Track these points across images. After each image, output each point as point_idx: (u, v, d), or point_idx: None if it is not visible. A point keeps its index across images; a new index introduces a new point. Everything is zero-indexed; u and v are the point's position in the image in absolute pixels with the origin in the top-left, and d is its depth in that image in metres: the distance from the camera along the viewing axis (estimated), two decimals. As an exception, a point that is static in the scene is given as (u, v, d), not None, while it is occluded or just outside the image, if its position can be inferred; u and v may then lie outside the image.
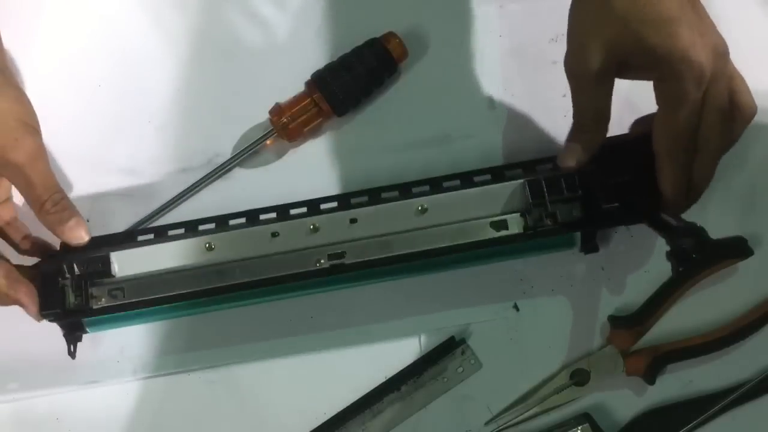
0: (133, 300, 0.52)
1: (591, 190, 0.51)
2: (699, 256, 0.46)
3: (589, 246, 0.53)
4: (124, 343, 0.58)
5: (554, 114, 0.60)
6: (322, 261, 0.52)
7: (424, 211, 0.52)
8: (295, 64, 0.61)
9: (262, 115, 0.60)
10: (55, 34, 0.63)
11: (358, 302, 0.57)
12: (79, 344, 0.55)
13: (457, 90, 0.61)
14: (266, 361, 0.57)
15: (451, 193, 0.53)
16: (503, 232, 0.52)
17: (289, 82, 0.60)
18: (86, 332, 0.55)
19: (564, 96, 0.60)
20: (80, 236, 0.52)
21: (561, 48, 0.61)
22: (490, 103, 0.61)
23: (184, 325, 0.58)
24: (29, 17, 0.63)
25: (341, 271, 0.52)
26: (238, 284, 0.52)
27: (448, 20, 0.62)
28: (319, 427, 0.55)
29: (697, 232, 0.47)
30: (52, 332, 0.57)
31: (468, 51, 0.62)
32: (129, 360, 0.58)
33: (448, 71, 0.61)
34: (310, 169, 0.60)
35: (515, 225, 0.52)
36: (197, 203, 0.59)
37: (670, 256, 0.48)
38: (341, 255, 0.52)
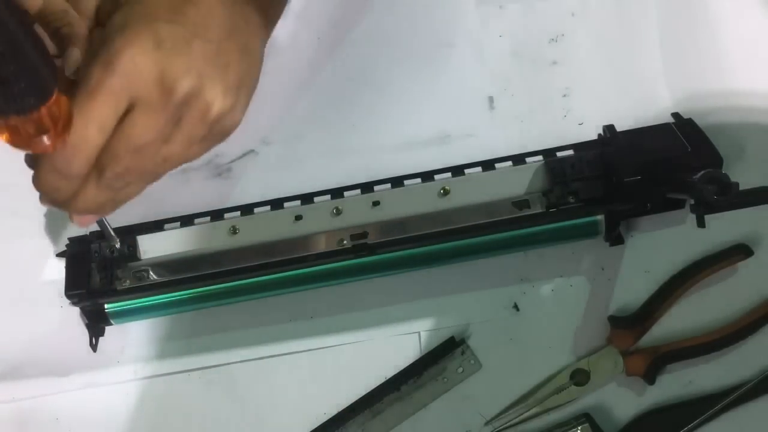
0: (157, 281, 0.53)
1: (613, 168, 0.51)
2: (722, 199, 0.45)
3: (614, 234, 0.53)
4: (124, 344, 0.58)
5: (554, 114, 0.60)
6: (345, 241, 0.52)
7: (446, 193, 0.53)
8: (295, 64, 0.61)
9: (262, 116, 0.60)
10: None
11: (358, 303, 0.57)
12: (79, 344, 0.55)
13: (457, 90, 0.61)
14: (266, 360, 0.57)
15: (472, 175, 0.53)
16: (526, 211, 0.52)
17: (289, 82, 0.60)
18: (110, 324, 0.55)
19: (564, 96, 0.60)
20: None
21: (561, 48, 0.61)
22: (490, 103, 0.61)
23: (183, 325, 0.58)
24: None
25: (364, 251, 0.52)
26: (261, 264, 0.53)
27: (447, 20, 0.63)
28: (319, 427, 0.55)
29: (718, 176, 0.46)
30: (52, 332, 0.57)
31: (467, 50, 0.62)
32: (129, 360, 0.58)
33: (448, 71, 0.62)
34: (310, 169, 0.60)
35: (537, 204, 0.52)
36: (197, 200, 0.59)
37: (694, 207, 0.47)
38: (364, 235, 0.52)
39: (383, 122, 0.61)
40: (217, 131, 0.44)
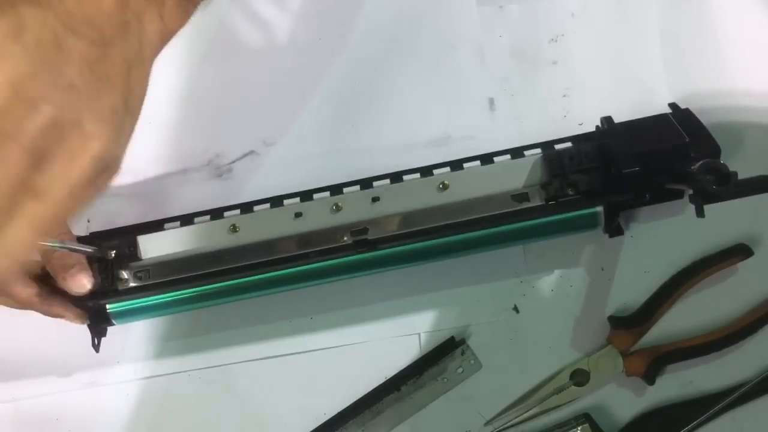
0: (158, 281, 0.53)
1: (611, 159, 0.51)
2: (721, 189, 0.45)
3: (613, 226, 0.53)
4: (124, 344, 0.58)
5: (554, 114, 0.60)
6: (345, 238, 0.52)
7: (445, 187, 0.53)
8: (295, 64, 0.61)
9: (262, 116, 0.60)
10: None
11: (358, 304, 0.57)
12: (79, 344, 0.55)
13: (457, 90, 0.61)
14: (266, 360, 0.57)
15: (471, 169, 0.53)
16: (525, 204, 0.52)
17: (289, 82, 0.60)
18: (112, 324, 0.55)
19: (564, 96, 0.60)
20: (83, 284, 0.50)
21: (561, 48, 0.61)
22: (491, 104, 0.61)
23: (184, 325, 0.58)
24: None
25: (364, 247, 0.52)
26: (261, 263, 0.52)
27: (448, 21, 0.63)
28: (319, 427, 0.55)
29: (716, 165, 0.46)
30: (52, 332, 0.57)
31: (468, 51, 0.62)
32: (129, 360, 0.58)
33: (448, 72, 0.62)
34: (310, 170, 0.60)
35: (537, 197, 0.52)
36: (197, 201, 0.59)
37: (693, 197, 0.47)
38: (364, 231, 0.52)
39: (383, 123, 0.61)
40: (99, 174, 0.32)
